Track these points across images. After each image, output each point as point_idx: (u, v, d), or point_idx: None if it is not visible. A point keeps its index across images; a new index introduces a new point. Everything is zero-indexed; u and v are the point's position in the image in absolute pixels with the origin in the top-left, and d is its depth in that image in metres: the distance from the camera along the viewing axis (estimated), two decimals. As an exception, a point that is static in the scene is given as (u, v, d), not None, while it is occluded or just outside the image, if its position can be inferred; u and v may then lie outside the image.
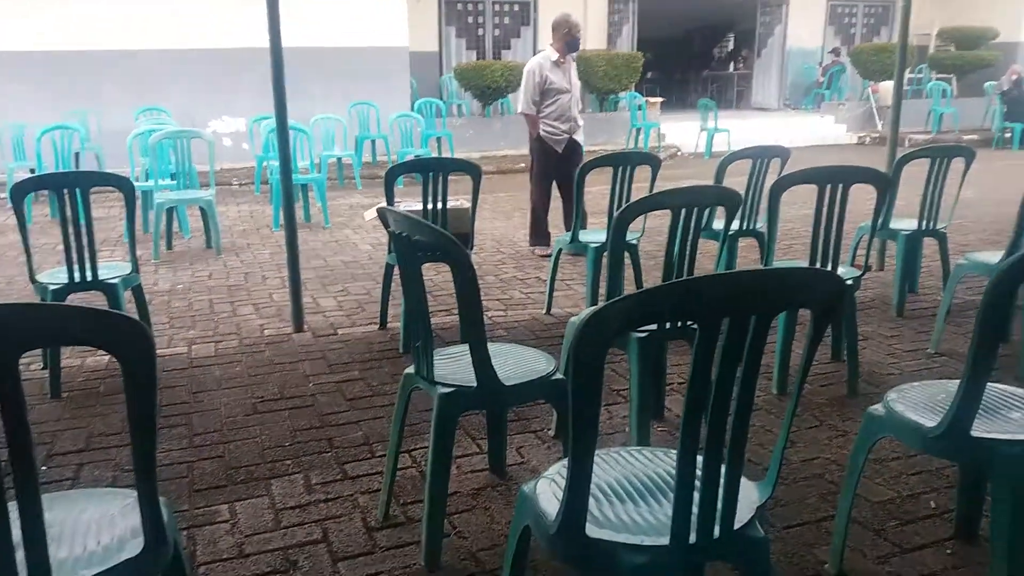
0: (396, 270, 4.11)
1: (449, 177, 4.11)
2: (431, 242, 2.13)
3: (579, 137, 6.16)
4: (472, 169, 4.03)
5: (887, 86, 14.33)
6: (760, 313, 1.32)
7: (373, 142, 11.40)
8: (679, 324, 2.68)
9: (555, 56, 5.88)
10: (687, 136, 13.68)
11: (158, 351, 4.21)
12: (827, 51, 16.80)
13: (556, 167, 6.06)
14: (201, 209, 6.66)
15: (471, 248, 4.48)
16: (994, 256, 3.90)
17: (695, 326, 1.31)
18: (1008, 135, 13.92)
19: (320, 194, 7.71)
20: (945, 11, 16.52)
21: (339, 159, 10.37)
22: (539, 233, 6.28)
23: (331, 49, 11.94)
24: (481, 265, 6.04)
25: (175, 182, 6.76)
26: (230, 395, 3.63)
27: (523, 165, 11.86)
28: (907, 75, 15.81)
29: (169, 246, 6.73)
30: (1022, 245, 3.55)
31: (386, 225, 2.35)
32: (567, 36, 5.81)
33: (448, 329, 4.43)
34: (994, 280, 1.76)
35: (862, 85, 16.02)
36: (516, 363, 2.49)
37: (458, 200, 4.64)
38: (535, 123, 6.00)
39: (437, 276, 5.57)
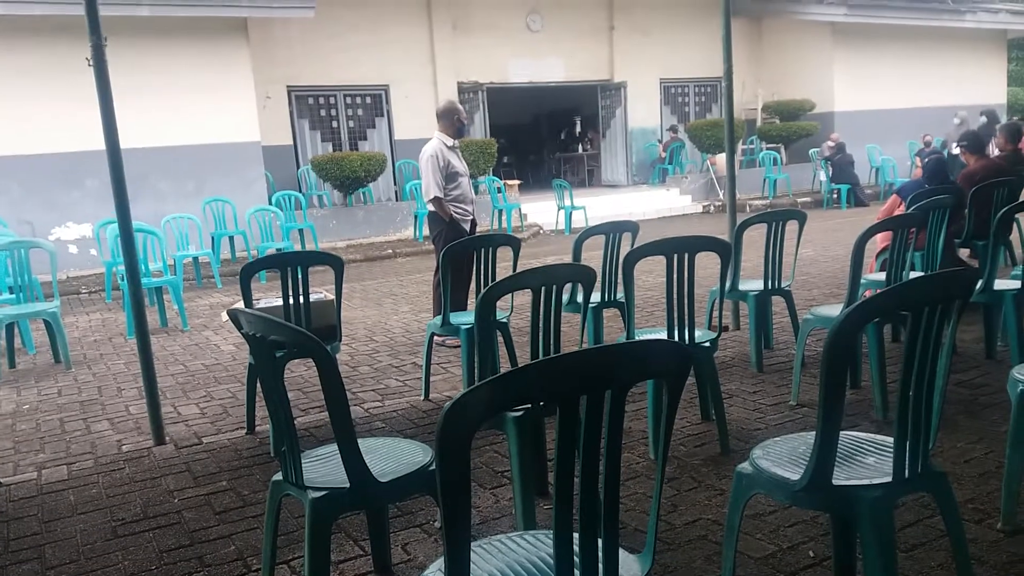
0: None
1: (313, 269, 4.03)
2: (287, 340, 2.05)
3: (475, 216, 6.29)
4: (333, 260, 3.96)
5: (723, 158, 15.36)
6: (615, 388, 1.33)
7: (231, 238, 11.09)
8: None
9: (449, 142, 5.90)
10: (547, 215, 14.10)
11: (1, 480, 3.82)
12: (666, 129, 17.91)
13: None
14: (45, 322, 6.21)
15: (339, 340, 4.36)
16: (835, 309, 4.16)
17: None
18: (835, 196, 15.17)
19: (176, 296, 7.37)
20: (767, 87, 18.05)
21: (195, 258, 10.00)
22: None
23: (180, 147, 11.67)
24: (354, 356, 5.90)
25: (14, 296, 6.30)
26: (87, 520, 3.32)
27: (390, 251, 11.84)
28: (740, 147, 17.11)
29: (12, 364, 6.22)
30: (856, 298, 3.81)
31: (239, 328, 2.25)
32: (457, 122, 5.91)
33: (322, 427, 4.26)
34: (830, 335, 1.86)
35: (701, 158, 17.12)
36: (391, 457, 2.40)
37: (322, 292, 4.53)
38: (445, 208, 5.87)
39: (307, 371, 5.40)
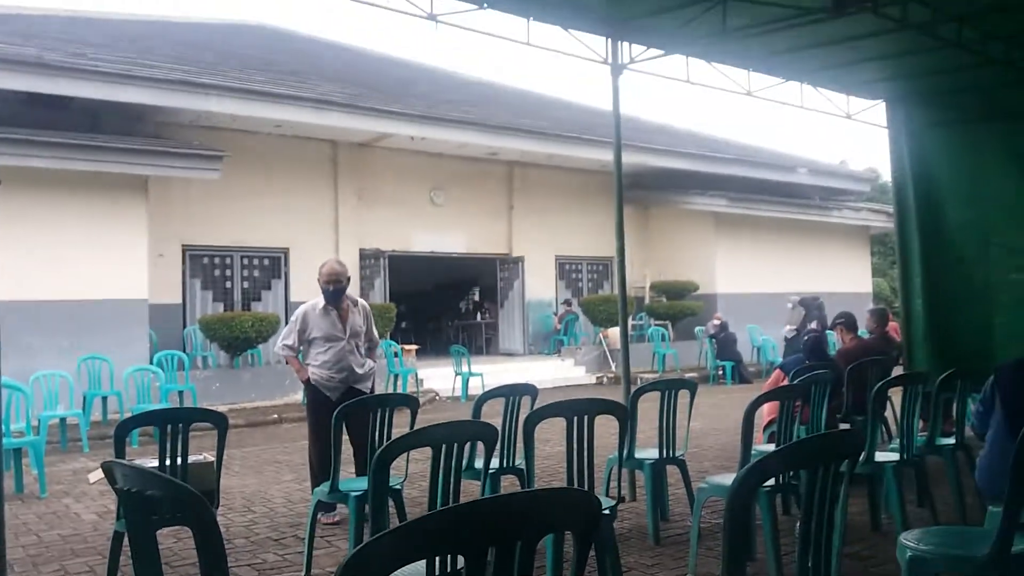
0: (126, 539, 3.62)
1: (192, 431, 3.81)
2: (167, 496, 1.90)
3: (364, 386, 5.62)
4: (216, 418, 3.77)
5: (615, 331, 15.90)
6: (525, 538, 1.28)
7: (104, 399, 10.44)
8: (449, 571, 2.55)
9: (322, 303, 5.59)
10: (444, 381, 14.02)
11: None
12: (560, 302, 18.53)
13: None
14: None
15: (216, 507, 4.08)
16: (729, 478, 4.22)
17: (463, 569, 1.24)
18: (721, 372, 15.78)
19: (37, 459, 6.79)
20: (654, 269, 19.11)
21: (63, 419, 9.31)
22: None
23: (57, 302, 11.15)
24: (230, 526, 5.49)
25: None
26: None
27: (275, 416, 11.39)
28: (630, 322, 17.80)
29: None
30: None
31: (112, 483, 2.07)
32: (321, 285, 5.54)
33: (188, 604, 3.88)
34: (731, 494, 1.88)
35: (594, 331, 17.66)
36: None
37: (201, 455, 4.28)
38: (295, 365, 5.67)
39: (176, 543, 4.97)
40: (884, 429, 7.10)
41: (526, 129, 16.40)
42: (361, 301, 5.81)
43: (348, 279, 5.66)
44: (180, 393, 10.91)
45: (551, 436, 7.89)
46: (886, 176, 31.06)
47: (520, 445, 4.16)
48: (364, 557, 1.11)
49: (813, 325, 14.83)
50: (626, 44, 6.67)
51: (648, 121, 22.45)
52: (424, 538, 1.16)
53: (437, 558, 2.33)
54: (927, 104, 8.27)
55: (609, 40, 6.55)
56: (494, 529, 1.22)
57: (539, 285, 18.40)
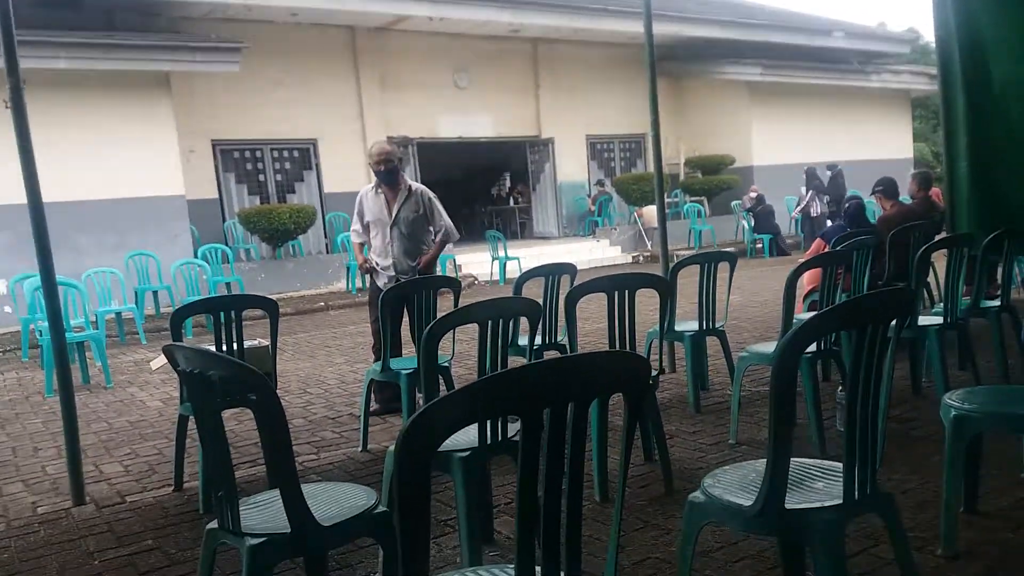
0: (191, 422, 3.78)
1: (244, 321, 3.90)
2: (228, 375, 1.96)
3: (411, 277, 5.18)
4: (268, 304, 3.85)
5: (650, 210, 15.74)
6: (578, 400, 1.30)
7: (155, 293, 10.73)
8: (500, 439, 2.63)
9: (375, 184, 5.39)
10: (481, 267, 14.14)
11: None
12: (593, 183, 18.29)
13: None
14: (-48, 381, 5.84)
15: (275, 388, 4.21)
16: (770, 346, 4.24)
17: (517, 439, 1.27)
18: (759, 245, 15.66)
19: (99, 352, 7.05)
20: (689, 144, 18.67)
21: (118, 314, 9.62)
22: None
23: (100, 201, 11.31)
24: (288, 408, 5.66)
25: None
26: (-6, 589, 3.08)
27: (322, 304, 11.63)
28: (665, 199, 17.56)
29: (-88, 427, 5.81)
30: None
31: (175, 365, 2.14)
32: (372, 167, 5.30)
33: (252, 482, 4.08)
34: (779, 350, 1.88)
35: (628, 211, 17.50)
36: (332, 501, 2.30)
37: (256, 340, 4.39)
38: (356, 253, 5.53)
39: (238, 426, 5.19)
40: (927, 294, 7.04)
41: (549, 2, 15.75)
42: (421, 187, 5.43)
43: (400, 159, 5.42)
44: (227, 284, 11.16)
45: (590, 314, 7.98)
46: (926, 37, 29.66)
47: (562, 322, 4.20)
48: (427, 419, 1.13)
49: (809, 199, 14.71)
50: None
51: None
52: (482, 400, 1.18)
53: (489, 423, 2.41)
54: (976, -46, 7.72)
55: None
56: (548, 390, 1.24)
57: (571, 166, 18.15)
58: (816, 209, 14.79)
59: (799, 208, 15.56)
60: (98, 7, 11.94)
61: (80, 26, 11.32)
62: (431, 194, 5.44)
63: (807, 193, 15.26)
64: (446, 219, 5.43)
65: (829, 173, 15.27)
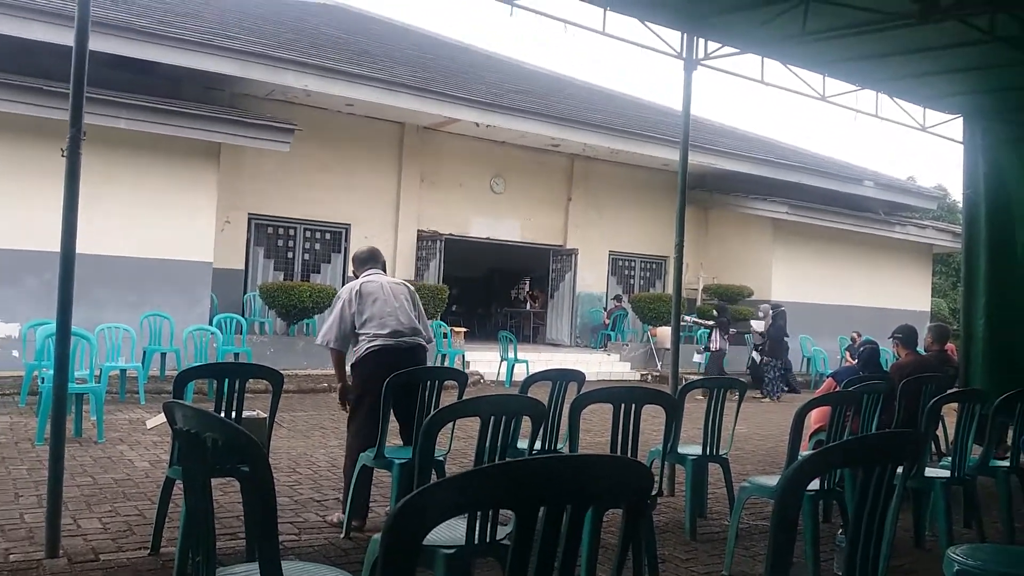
0: (177, 487, 3.71)
1: (245, 393, 3.88)
2: (224, 440, 1.94)
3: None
4: (273, 376, 3.84)
5: (664, 331, 15.73)
6: (576, 502, 1.27)
7: (163, 355, 10.74)
8: (488, 540, 2.56)
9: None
10: (489, 366, 14.08)
11: None
12: (611, 297, 18.39)
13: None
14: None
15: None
16: (772, 479, 4.14)
17: (506, 542, 1.23)
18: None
19: (97, 406, 7.01)
20: (708, 271, 18.82)
21: (123, 371, 9.60)
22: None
23: (128, 259, 11.46)
24: (275, 485, 5.59)
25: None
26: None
27: (325, 384, 11.56)
28: (680, 322, 17.57)
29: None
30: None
31: (172, 423, 2.12)
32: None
33: (230, 555, 3.97)
34: (781, 483, 1.83)
35: (642, 328, 17.49)
36: (309, 582, 2.22)
37: (254, 412, 4.36)
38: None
39: (222, 496, 5.08)
40: (935, 447, 6.90)
41: (590, 122, 16.31)
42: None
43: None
44: (236, 355, 11.16)
45: (592, 426, 7.88)
46: (954, 195, 30.18)
47: (564, 429, 4.15)
48: (419, 503, 1.11)
49: (760, 329, 14.25)
50: (701, 40, 6.57)
51: (715, 123, 22.15)
52: (476, 490, 1.15)
53: (479, 522, 2.34)
54: (1007, 120, 7.96)
55: (684, 35, 6.44)
56: (547, 486, 1.21)
57: (591, 278, 18.31)
58: (716, 344, 14.21)
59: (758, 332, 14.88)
60: (168, 75, 12.45)
61: (147, 90, 11.78)
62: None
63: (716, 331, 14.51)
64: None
65: (769, 311, 14.64)
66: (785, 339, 14.48)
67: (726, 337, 14.35)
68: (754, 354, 14.87)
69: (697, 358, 14.93)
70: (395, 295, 4.88)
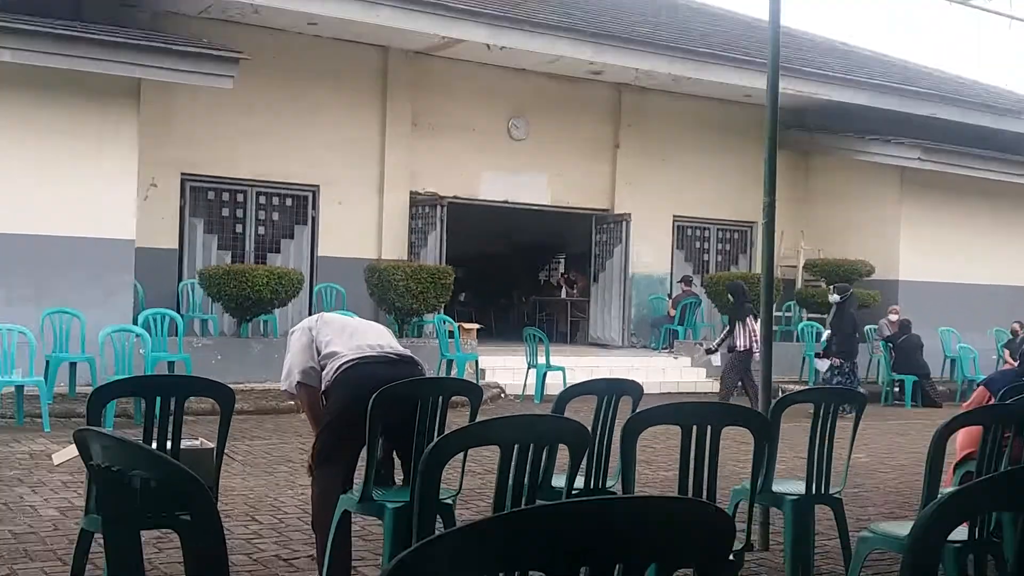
0: (96, 540, 3.78)
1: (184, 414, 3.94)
2: (157, 480, 1.97)
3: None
4: (220, 392, 3.89)
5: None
6: (629, 562, 1.27)
7: (74, 365, 10.88)
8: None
9: None
10: (513, 375, 14.13)
11: None
12: (677, 280, 18.35)
13: None
14: None
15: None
16: (904, 526, 4.14)
17: None
18: (898, 389, 15.41)
19: (-14, 435, 7.14)
20: (811, 241, 18.67)
21: (19, 388, 9.74)
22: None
23: (13, 236, 11.41)
24: (228, 537, 5.63)
25: None
26: None
27: (292, 403, 11.66)
28: (773, 313, 17.46)
29: None
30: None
31: (87, 459, 2.16)
32: None
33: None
34: (912, 538, 1.83)
35: (721, 321, 17.44)
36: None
37: (197, 440, 4.42)
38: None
39: (156, 555, 5.16)
40: None
41: (642, 39, 16.16)
42: None
43: None
44: (170, 364, 11.28)
45: (654, 455, 7.90)
46: None
47: (615, 461, 4.16)
48: (417, 561, 1.12)
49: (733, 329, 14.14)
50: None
51: (816, 36, 21.93)
52: (495, 544, 1.16)
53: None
54: None
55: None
56: (588, 540, 1.21)
57: (649, 255, 18.25)
58: (743, 342, 13.72)
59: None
60: (67, -8, 12.53)
61: (41, 11, 11.81)
62: None
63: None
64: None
65: (837, 298, 14.59)
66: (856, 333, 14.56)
67: (750, 331, 13.98)
68: (818, 363, 14.74)
69: (819, 364, 14.75)
70: (371, 326, 5.09)
